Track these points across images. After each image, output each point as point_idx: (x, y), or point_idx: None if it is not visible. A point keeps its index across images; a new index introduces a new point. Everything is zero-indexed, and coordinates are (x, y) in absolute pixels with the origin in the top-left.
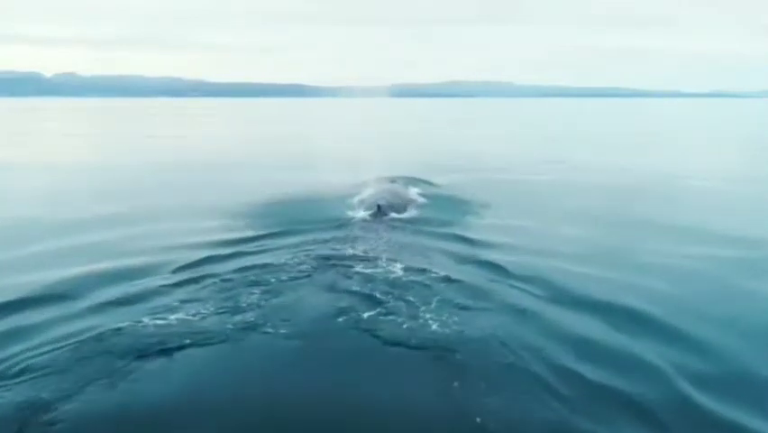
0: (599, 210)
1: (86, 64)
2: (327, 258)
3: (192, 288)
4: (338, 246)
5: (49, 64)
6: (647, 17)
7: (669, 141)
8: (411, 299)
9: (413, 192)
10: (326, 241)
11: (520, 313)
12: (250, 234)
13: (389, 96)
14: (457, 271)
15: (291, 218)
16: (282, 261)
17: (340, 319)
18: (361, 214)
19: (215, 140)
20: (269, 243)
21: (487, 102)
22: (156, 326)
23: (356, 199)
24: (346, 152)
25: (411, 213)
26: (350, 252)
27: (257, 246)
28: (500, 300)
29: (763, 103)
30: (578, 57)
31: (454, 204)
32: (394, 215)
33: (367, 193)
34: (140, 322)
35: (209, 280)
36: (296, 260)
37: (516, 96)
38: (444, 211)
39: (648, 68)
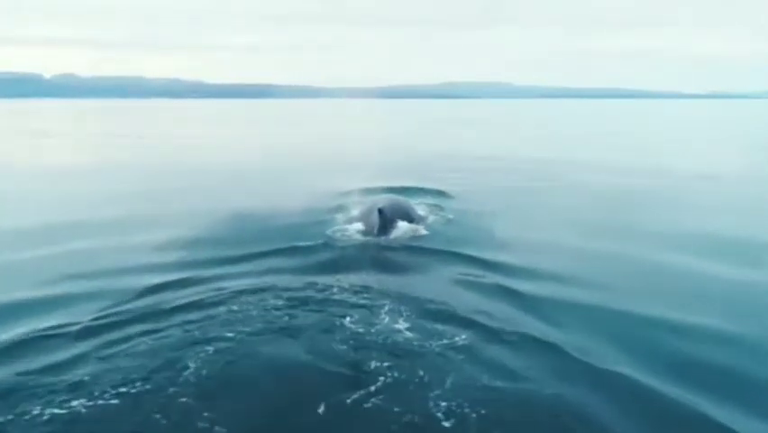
0: (651, 221)
1: (86, 65)
2: (305, 301)
3: (112, 342)
4: (321, 281)
5: (48, 65)
6: (647, 18)
7: (691, 142)
8: (420, 372)
9: (418, 205)
10: (306, 271)
11: (576, 391)
12: (204, 257)
13: (387, 97)
14: (485, 320)
15: (262, 237)
16: (243, 303)
17: (320, 410)
18: (355, 230)
19: (198, 142)
20: (228, 272)
21: (486, 103)
22: (48, 417)
23: (347, 212)
24: (338, 157)
25: (419, 230)
26: (336, 290)
27: (211, 277)
28: (547, 370)
29: (765, 104)
30: (577, 58)
31: (473, 218)
32: (397, 229)
33: (361, 204)
34: (22, 411)
35: (138, 329)
36: (262, 303)
37: (516, 98)
38: (462, 228)
39: (648, 69)
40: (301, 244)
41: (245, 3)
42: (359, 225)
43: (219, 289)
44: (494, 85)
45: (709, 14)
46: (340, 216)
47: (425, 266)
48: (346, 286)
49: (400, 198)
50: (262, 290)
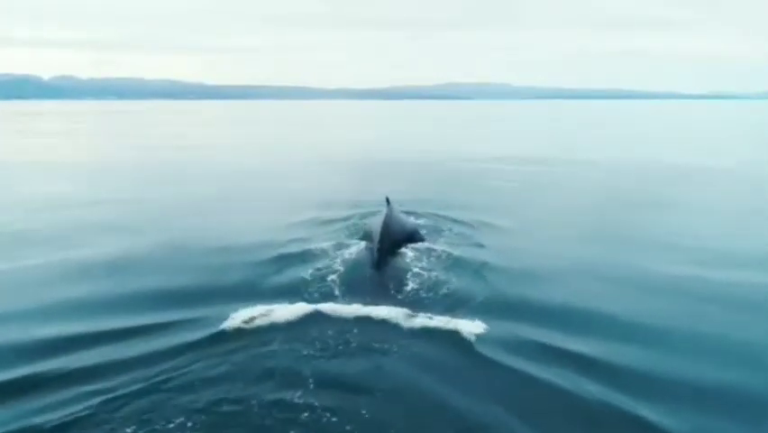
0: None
1: (85, 66)
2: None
3: None
4: (264, 381)
5: (47, 67)
6: (645, 19)
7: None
8: None
9: (433, 230)
10: (244, 358)
11: None
12: (65, 319)
13: (385, 98)
14: None
15: (200, 284)
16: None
17: None
18: (346, 259)
19: (167, 142)
20: (132, 349)
21: (487, 105)
22: None
23: (334, 233)
24: (329, 163)
25: (440, 263)
26: (305, 406)
27: (101, 359)
28: None
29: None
30: (575, 59)
31: (518, 248)
32: (400, 258)
33: (345, 228)
34: None
35: None
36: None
37: (515, 99)
38: (508, 262)
39: (646, 69)
40: (239, 292)
41: (245, 4)
42: (360, 241)
43: (109, 384)
44: (492, 86)
45: (708, 15)
46: (323, 242)
47: (458, 351)
48: (319, 404)
49: (405, 220)
50: (159, 405)
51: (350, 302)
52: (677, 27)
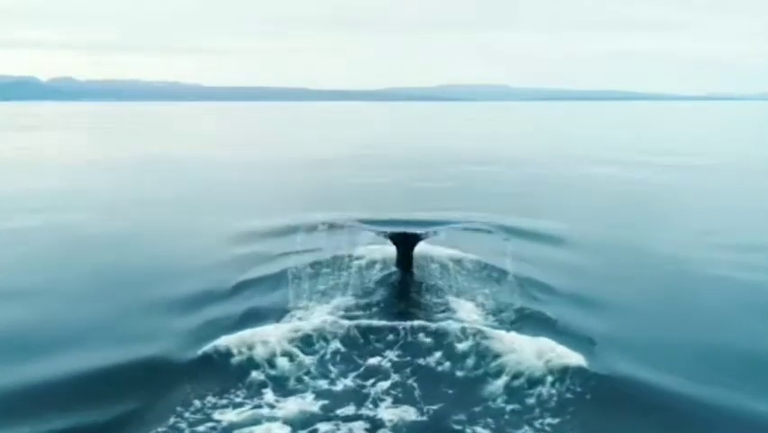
0: None
1: (83, 68)
2: None
3: None
4: None
5: (45, 68)
6: (643, 21)
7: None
8: None
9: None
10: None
11: None
12: None
13: (383, 99)
14: None
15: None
16: None
17: None
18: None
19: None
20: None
21: (486, 106)
22: None
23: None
24: (323, 169)
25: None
26: None
27: None
28: None
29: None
30: (573, 60)
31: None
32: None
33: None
34: None
35: None
36: None
37: (512, 100)
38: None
39: (645, 71)
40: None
41: (244, 6)
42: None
43: None
44: (490, 87)
45: (707, 17)
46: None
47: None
48: None
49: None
50: None
51: (375, 317)
52: (675, 28)
